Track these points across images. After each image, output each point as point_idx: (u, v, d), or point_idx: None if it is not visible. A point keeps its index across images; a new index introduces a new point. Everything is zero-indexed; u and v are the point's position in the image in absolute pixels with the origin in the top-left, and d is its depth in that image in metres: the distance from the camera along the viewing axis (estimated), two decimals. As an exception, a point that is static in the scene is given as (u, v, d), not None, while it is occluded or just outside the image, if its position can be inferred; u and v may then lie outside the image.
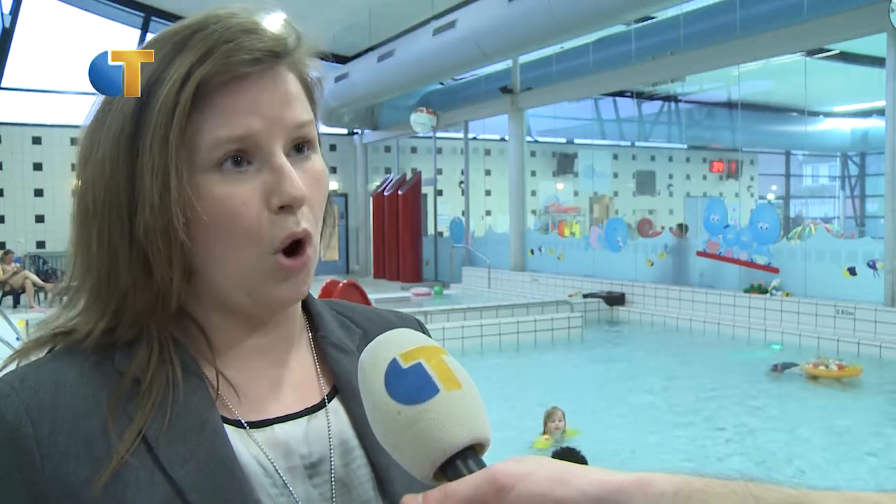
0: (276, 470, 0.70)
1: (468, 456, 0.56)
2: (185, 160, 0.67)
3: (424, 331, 0.89)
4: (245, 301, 0.72)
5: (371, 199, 18.20)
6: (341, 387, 0.78)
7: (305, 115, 0.72)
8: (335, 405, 0.77)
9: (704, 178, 20.92)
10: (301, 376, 0.78)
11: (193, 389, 0.69)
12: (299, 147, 0.72)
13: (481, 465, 0.56)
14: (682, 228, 13.44)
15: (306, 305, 0.82)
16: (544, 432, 5.64)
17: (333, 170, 18.65)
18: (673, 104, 18.43)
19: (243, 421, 0.71)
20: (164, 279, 0.68)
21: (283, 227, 0.69)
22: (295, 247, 0.71)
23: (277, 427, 0.73)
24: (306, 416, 0.75)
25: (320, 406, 0.76)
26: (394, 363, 0.59)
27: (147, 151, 0.67)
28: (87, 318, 0.72)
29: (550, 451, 5.23)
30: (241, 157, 0.68)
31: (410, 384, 0.58)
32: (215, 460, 0.66)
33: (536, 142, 18.69)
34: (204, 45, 0.67)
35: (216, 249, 0.69)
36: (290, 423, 0.74)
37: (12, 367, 0.70)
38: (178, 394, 0.68)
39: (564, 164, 19.72)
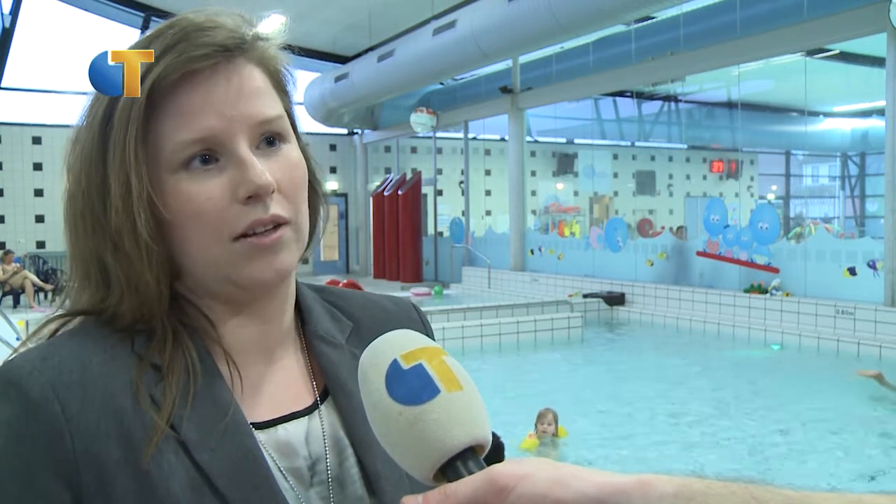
0: (280, 469, 0.71)
1: (468, 457, 0.56)
2: (149, 162, 0.68)
3: (420, 314, 0.90)
4: (229, 288, 0.72)
5: (371, 199, 18.17)
6: (331, 384, 0.78)
7: (271, 110, 0.72)
8: (327, 404, 0.77)
9: (704, 178, 20.90)
10: (293, 374, 0.78)
11: (212, 379, 0.70)
12: (270, 140, 0.72)
13: (481, 467, 0.56)
14: (680, 231, 13.44)
15: (297, 299, 0.82)
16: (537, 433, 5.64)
17: (333, 170, 18.65)
18: (673, 104, 18.41)
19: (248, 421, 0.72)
20: (145, 283, 0.69)
21: (250, 215, 0.69)
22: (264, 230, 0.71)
23: (281, 428, 0.73)
24: (306, 416, 0.75)
25: (314, 405, 0.77)
26: (395, 364, 0.59)
27: (111, 157, 0.68)
28: (95, 301, 0.72)
29: (537, 452, 5.27)
30: (208, 154, 0.69)
31: (411, 385, 0.58)
32: (242, 449, 0.67)
33: (536, 142, 18.68)
34: (159, 47, 0.68)
35: (190, 246, 0.70)
36: (293, 423, 0.74)
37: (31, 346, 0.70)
38: (199, 382, 0.69)
39: (564, 164, 19.70)
